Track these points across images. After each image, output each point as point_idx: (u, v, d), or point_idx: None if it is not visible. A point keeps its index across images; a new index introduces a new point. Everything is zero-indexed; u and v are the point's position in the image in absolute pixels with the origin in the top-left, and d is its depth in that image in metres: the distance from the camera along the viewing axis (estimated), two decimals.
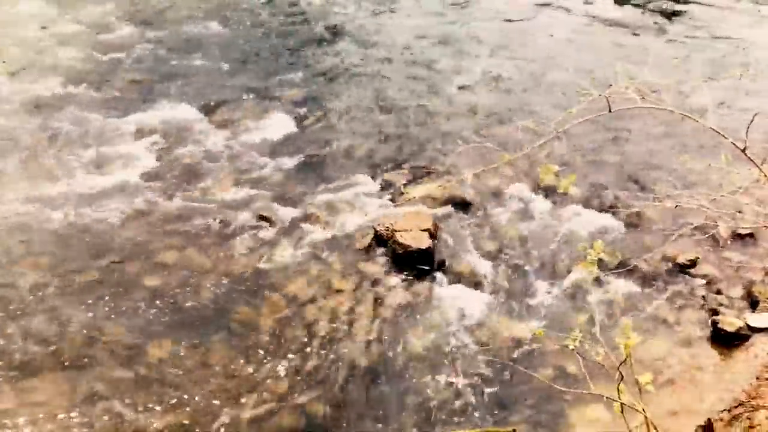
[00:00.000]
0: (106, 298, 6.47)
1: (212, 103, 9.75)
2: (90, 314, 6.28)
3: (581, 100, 3.64)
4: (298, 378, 5.75)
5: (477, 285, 6.71)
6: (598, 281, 6.54)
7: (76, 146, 8.64)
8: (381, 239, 7.12)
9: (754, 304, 6.35)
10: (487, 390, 5.67)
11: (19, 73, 10.28)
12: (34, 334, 6.06)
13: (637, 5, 13.15)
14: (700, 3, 13.13)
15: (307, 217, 7.54)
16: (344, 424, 5.42)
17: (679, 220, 7.20)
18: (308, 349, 6.01)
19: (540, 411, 5.50)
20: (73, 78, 10.27)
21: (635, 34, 11.94)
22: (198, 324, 6.25)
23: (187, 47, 11.39)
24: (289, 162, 8.49)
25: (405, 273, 6.82)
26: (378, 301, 6.52)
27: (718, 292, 6.56)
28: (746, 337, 5.97)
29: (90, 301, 6.41)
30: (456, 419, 5.44)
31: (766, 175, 3.70)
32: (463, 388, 5.68)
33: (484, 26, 12.28)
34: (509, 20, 12.57)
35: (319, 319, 6.31)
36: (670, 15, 12.73)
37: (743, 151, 3.65)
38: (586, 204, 7.69)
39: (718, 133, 3.63)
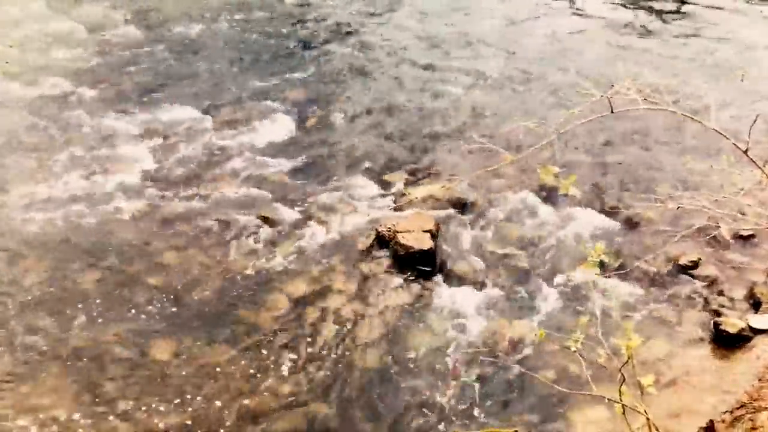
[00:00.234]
0: (108, 298, 6.47)
1: (214, 104, 9.76)
2: (92, 314, 6.29)
3: (583, 100, 3.64)
4: (300, 379, 5.75)
5: (478, 286, 6.71)
6: (599, 282, 6.53)
7: (78, 147, 8.66)
8: (383, 240, 7.12)
9: (756, 305, 6.34)
10: (489, 391, 5.66)
11: (21, 73, 10.29)
12: (35, 334, 6.06)
13: (639, 6, 13.15)
14: (702, 4, 13.11)
15: (308, 218, 7.54)
16: (346, 425, 5.41)
17: (680, 222, 7.18)
18: (310, 350, 6.01)
19: (541, 412, 5.49)
20: (75, 79, 10.29)
21: (637, 35, 11.93)
22: (199, 324, 6.26)
23: (189, 48, 11.40)
24: (290, 163, 8.50)
25: (407, 274, 6.82)
26: (379, 302, 6.52)
27: (720, 294, 6.55)
28: (748, 339, 5.96)
29: (92, 302, 6.42)
30: (458, 420, 5.44)
31: None
32: (465, 389, 5.68)
33: (485, 27, 12.28)
34: (510, 21, 12.56)
35: (321, 320, 6.31)
36: (673, 16, 12.72)
37: (745, 152, 3.65)
38: (588, 205, 7.69)
39: (720, 134, 3.62)
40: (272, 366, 5.86)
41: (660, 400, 5.31)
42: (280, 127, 9.21)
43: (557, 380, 5.65)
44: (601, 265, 3.32)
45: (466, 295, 6.58)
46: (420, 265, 6.85)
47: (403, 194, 7.89)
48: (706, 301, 6.47)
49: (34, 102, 9.66)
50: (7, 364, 5.77)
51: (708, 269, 6.82)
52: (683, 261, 6.87)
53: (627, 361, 3.12)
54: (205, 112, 9.55)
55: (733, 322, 6.05)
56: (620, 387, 3.21)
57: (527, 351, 6.01)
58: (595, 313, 6.16)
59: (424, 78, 10.55)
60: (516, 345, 6.08)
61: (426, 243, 6.89)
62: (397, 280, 6.77)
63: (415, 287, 6.69)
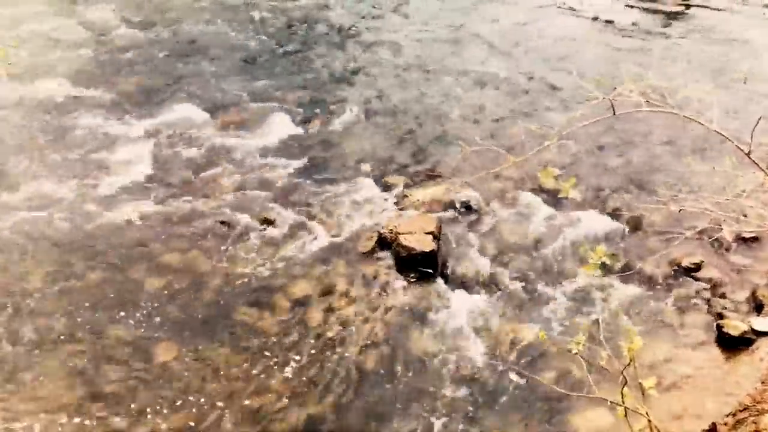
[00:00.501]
0: (111, 299, 6.48)
1: (216, 105, 9.77)
2: (94, 316, 6.29)
3: (586, 102, 3.64)
4: (302, 380, 5.75)
5: (480, 288, 6.71)
6: (602, 284, 6.53)
7: (80, 148, 8.67)
8: (385, 242, 7.12)
9: (758, 307, 6.32)
10: (491, 393, 5.66)
11: (23, 74, 10.31)
12: (38, 336, 6.07)
13: (642, 8, 13.14)
14: (705, 6, 13.11)
15: (310, 220, 7.54)
16: (348, 427, 5.41)
17: (683, 224, 7.17)
18: (312, 352, 6.01)
19: (543, 414, 5.48)
20: (77, 80, 10.30)
21: (639, 37, 11.92)
22: (202, 326, 6.26)
23: (191, 49, 11.42)
24: (293, 164, 8.50)
25: (408, 276, 6.82)
26: (381, 304, 6.52)
27: (723, 296, 6.53)
28: (751, 341, 5.95)
29: (94, 303, 6.43)
30: (459, 422, 5.43)
31: None
32: (467, 391, 5.67)
33: (488, 29, 12.28)
34: (513, 23, 12.56)
35: (323, 322, 6.31)
36: (675, 18, 12.72)
37: (748, 154, 3.64)
38: (590, 207, 7.68)
39: (723, 136, 3.62)
40: (274, 367, 5.86)
41: (662, 403, 5.31)
42: (282, 128, 9.21)
43: (559, 382, 5.65)
44: (603, 267, 3.32)
45: (467, 297, 6.58)
46: (422, 266, 6.84)
47: (405, 196, 7.89)
48: (709, 304, 6.46)
49: (37, 103, 9.67)
50: (10, 365, 5.78)
51: (710, 272, 6.81)
52: (685, 263, 6.86)
53: (629, 364, 3.12)
54: (207, 113, 9.55)
55: (735, 325, 6.04)
56: (622, 389, 3.20)
57: (529, 353, 6.00)
58: (596, 316, 6.17)
59: (426, 80, 10.55)
60: (517, 347, 6.07)
61: (428, 245, 6.88)
62: (399, 281, 6.77)
63: (417, 289, 6.69)
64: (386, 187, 8.10)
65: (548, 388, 5.48)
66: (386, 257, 7.03)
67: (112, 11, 12.73)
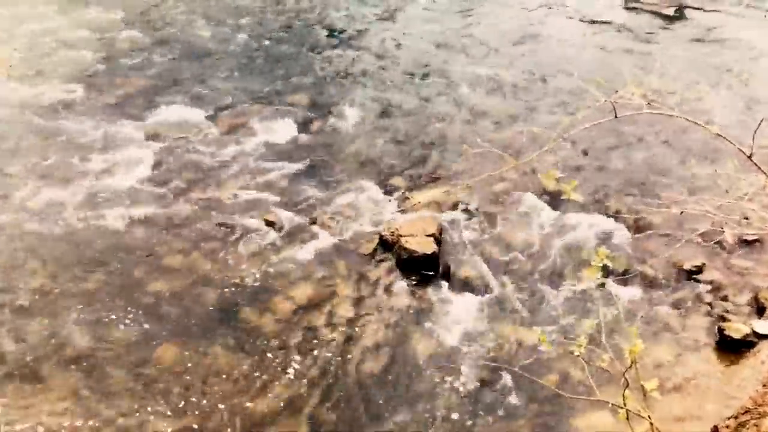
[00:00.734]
0: (112, 301, 6.49)
1: (218, 108, 9.78)
2: (96, 318, 6.30)
3: (588, 105, 3.64)
4: (304, 382, 5.75)
5: (482, 290, 6.71)
6: (604, 287, 6.52)
7: (82, 150, 8.68)
8: (386, 244, 7.12)
9: (760, 310, 6.32)
10: (493, 396, 5.65)
11: (26, 77, 10.33)
12: (40, 337, 6.08)
13: (642, 10, 13.15)
14: (707, 9, 13.11)
15: (312, 222, 7.55)
16: (349, 429, 5.41)
17: (685, 226, 7.17)
18: (313, 354, 6.01)
19: (545, 417, 5.48)
20: (79, 82, 10.32)
21: (641, 40, 11.92)
22: (203, 328, 6.26)
23: (193, 52, 11.43)
24: (295, 166, 8.50)
25: (410, 278, 6.82)
26: (383, 306, 6.52)
27: (725, 299, 6.53)
28: (753, 344, 5.94)
29: (96, 305, 6.44)
30: (461, 425, 5.43)
31: None
32: (468, 394, 5.67)
33: (489, 31, 12.29)
34: (513, 26, 12.57)
35: (324, 324, 6.31)
36: (676, 20, 12.72)
37: (749, 157, 3.64)
38: (592, 209, 7.68)
39: (725, 139, 3.62)
40: (276, 370, 5.86)
41: (664, 405, 5.30)
42: (285, 130, 9.22)
43: (561, 385, 5.65)
44: (605, 269, 3.32)
45: (469, 300, 6.58)
46: (423, 269, 6.85)
47: (407, 198, 7.90)
48: (711, 306, 6.45)
49: (39, 105, 9.69)
50: (12, 367, 5.79)
51: (712, 274, 6.80)
52: (687, 266, 6.85)
53: (630, 366, 3.11)
54: (210, 115, 9.57)
55: (737, 328, 6.04)
56: (624, 392, 3.20)
57: (531, 356, 5.99)
58: (598, 318, 6.16)
59: (428, 82, 10.56)
60: (519, 350, 6.07)
61: (429, 247, 6.89)
62: (401, 284, 6.77)
63: (419, 291, 6.69)
64: (388, 189, 8.11)
65: (550, 390, 5.48)
66: (387, 259, 7.04)
67: (113, 13, 12.75)
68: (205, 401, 5.57)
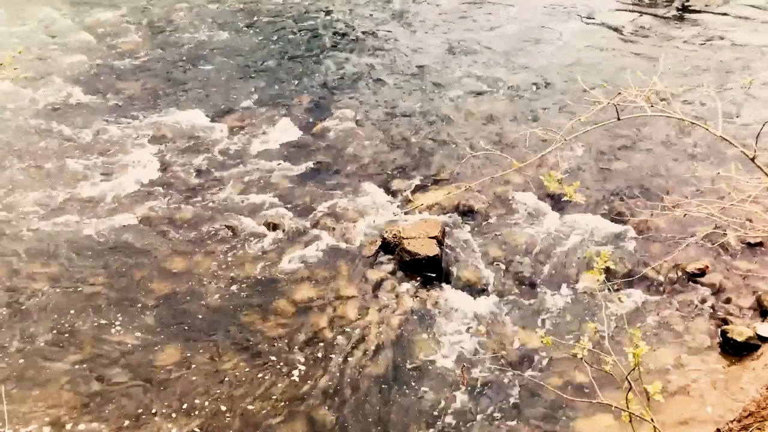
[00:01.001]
0: (115, 303, 6.49)
1: (222, 110, 9.81)
2: (98, 320, 6.31)
3: (590, 107, 3.64)
4: (306, 384, 5.75)
5: (484, 293, 6.70)
6: (606, 289, 6.51)
7: (85, 152, 8.70)
8: (388, 246, 7.12)
9: (764, 313, 6.30)
10: (495, 398, 5.64)
11: (30, 79, 10.36)
12: (42, 339, 6.09)
13: (645, 12, 13.15)
14: (709, 11, 13.10)
15: (314, 224, 7.55)
16: (352, 431, 5.41)
17: (688, 229, 7.16)
18: (316, 356, 6.01)
19: (548, 420, 5.47)
20: (83, 84, 10.35)
21: (643, 42, 11.92)
22: (206, 330, 6.26)
23: (196, 54, 11.46)
24: (297, 168, 8.51)
25: (412, 280, 6.82)
26: (385, 308, 6.51)
27: (728, 302, 6.51)
28: (756, 347, 5.92)
29: (99, 306, 6.44)
30: (463, 427, 5.42)
31: None
32: (471, 397, 5.66)
33: (492, 33, 12.30)
34: (517, 27, 12.58)
35: (327, 327, 6.31)
36: (679, 22, 12.71)
37: (753, 159, 3.64)
38: (595, 211, 7.67)
39: (728, 141, 3.61)
40: (278, 372, 5.86)
41: (667, 408, 5.29)
42: (287, 132, 9.24)
43: (564, 388, 5.64)
44: (608, 271, 3.31)
45: (471, 302, 6.57)
46: (426, 271, 6.84)
47: (409, 200, 7.90)
48: (714, 309, 6.44)
49: (42, 108, 9.72)
50: (14, 369, 5.79)
51: (715, 277, 6.79)
52: (690, 268, 6.84)
53: (633, 369, 3.11)
54: (212, 117, 9.59)
55: (740, 330, 6.02)
56: (627, 394, 3.20)
57: (533, 358, 5.99)
58: (601, 321, 6.15)
59: (431, 85, 10.57)
60: (522, 352, 6.06)
61: (432, 249, 6.89)
62: (403, 286, 6.76)
63: (421, 294, 6.68)
64: (390, 192, 8.11)
65: (553, 393, 5.47)
66: (390, 261, 7.04)
67: (117, 15, 12.79)
68: (207, 403, 5.56)
